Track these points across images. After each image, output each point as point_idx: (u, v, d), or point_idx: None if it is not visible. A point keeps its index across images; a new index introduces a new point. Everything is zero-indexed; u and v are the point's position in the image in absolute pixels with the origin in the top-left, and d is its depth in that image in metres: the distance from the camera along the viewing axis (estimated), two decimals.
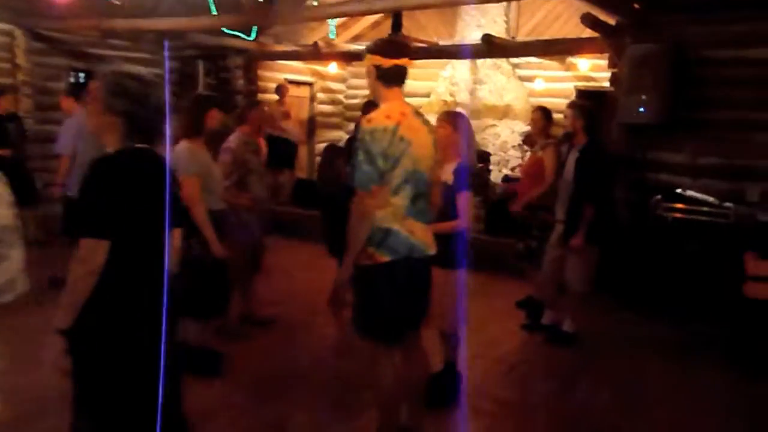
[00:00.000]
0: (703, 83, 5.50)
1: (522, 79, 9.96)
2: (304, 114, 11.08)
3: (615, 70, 6.11)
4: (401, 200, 2.62)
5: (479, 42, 7.00)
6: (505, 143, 9.80)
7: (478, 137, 9.45)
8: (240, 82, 9.42)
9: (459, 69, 10.21)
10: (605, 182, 4.43)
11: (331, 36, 7.67)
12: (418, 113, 2.77)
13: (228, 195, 4.12)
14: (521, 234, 5.00)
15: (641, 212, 5.56)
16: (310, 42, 9.32)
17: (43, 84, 8.75)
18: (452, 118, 3.45)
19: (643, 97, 5.44)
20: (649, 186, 5.75)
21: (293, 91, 10.70)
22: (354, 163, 2.57)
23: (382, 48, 2.67)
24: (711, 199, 5.17)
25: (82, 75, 9.35)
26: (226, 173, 4.24)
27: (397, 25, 7.43)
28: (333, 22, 8.30)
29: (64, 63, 9.13)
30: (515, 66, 9.98)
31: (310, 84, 11.04)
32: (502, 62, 9.87)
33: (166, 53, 9.39)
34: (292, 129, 9.39)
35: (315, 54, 8.52)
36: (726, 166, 5.43)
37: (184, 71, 9.33)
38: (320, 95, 11.27)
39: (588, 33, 6.37)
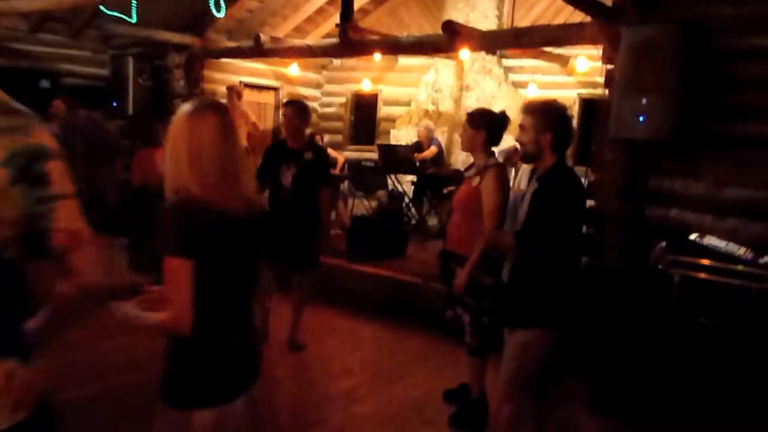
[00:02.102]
0: (731, 83, 3.87)
1: (516, 85, 8.39)
2: (267, 124, 9.66)
3: (611, 66, 4.49)
4: None
5: (440, 33, 5.47)
6: None
7: (460, 154, 7.87)
8: (180, 84, 8.06)
9: (443, 73, 8.69)
10: (568, 231, 2.76)
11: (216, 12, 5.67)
12: None
13: None
14: (448, 293, 3.42)
15: (637, 265, 3.93)
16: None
17: None
18: None
19: (644, 100, 3.82)
20: (652, 226, 4.12)
21: (254, 96, 9.32)
22: None
23: None
24: (740, 250, 3.51)
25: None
26: None
27: (346, 15, 5.94)
28: None
29: None
30: (508, 70, 8.41)
31: (275, 89, 9.64)
32: (493, 65, 8.32)
33: None
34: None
35: (258, 50, 7.08)
36: (763, 201, 3.78)
37: (117, 71, 8.01)
38: None
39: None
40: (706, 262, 3.44)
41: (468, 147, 3.33)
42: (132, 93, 7.70)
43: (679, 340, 3.46)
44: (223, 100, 7.87)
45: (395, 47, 6.10)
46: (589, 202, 4.81)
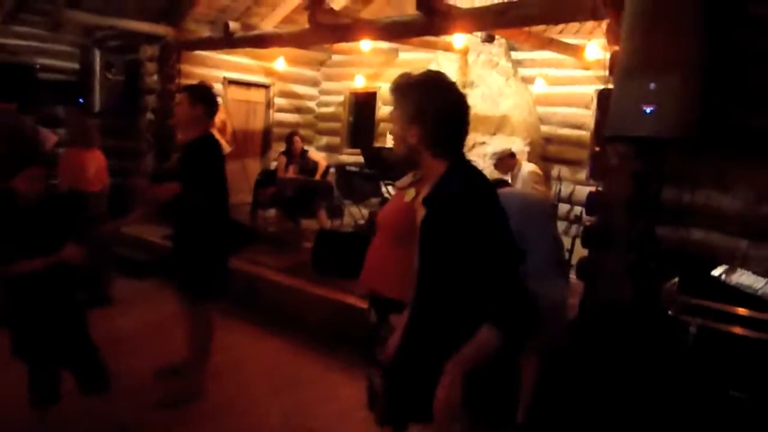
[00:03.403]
0: None
1: (526, 80, 7.39)
2: (258, 124, 8.90)
3: (616, 47, 3.51)
4: None
5: (416, 14, 4.57)
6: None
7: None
8: (153, 79, 7.34)
9: (445, 68, 7.70)
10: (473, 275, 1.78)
11: None
12: None
13: None
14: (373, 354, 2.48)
15: (643, 303, 2.94)
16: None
17: None
18: None
19: (652, 85, 2.84)
20: (666, 252, 3.13)
21: (241, 94, 8.58)
22: None
23: None
24: None
25: None
26: None
27: None
28: None
29: None
30: (517, 63, 7.42)
31: (266, 86, 8.87)
32: (500, 58, 7.34)
33: None
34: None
35: (228, 41, 6.30)
36: None
37: (85, 65, 7.37)
38: (279, 101, 9.06)
39: None
40: (734, 309, 2.43)
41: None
42: (99, 88, 7.03)
43: (696, 416, 2.46)
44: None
45: (369, 31, 5.20)
46: (589, 219, 3.83)
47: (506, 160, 5.15)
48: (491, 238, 1.57)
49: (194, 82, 7.71)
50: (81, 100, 7.25)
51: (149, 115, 7.38)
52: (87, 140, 5.06)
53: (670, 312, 2.59)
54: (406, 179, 2.40)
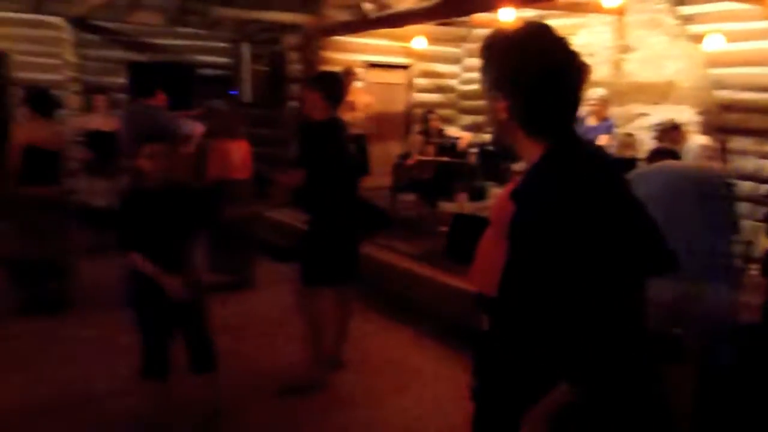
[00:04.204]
0: None
1: (696, 39, 6.37)
2: (399, 106, 8.80)
3: None
4: None
5: None
6: None
7: (620, 131, 6.15)
8: (296, 67, 7.55)
9: (599, 33, 6.99)
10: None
11: None
12: None
13: None
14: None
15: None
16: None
17: (96, 80, 7.93)
18: None
19: None
20: None
21: (381, 76, 8.53)
22: None
23: None
24: None
25: None
26: None
27: None
28: None
29: (121, 56, 8.26)
30: (686, 20, 6.42)
31: (405, 67, 8.72)
32: (664, 15, 6.42)
33: None
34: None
35: (364, 23, 6.22)
36: None
37: (236, 59, 7.78)
38: (420, 81, 8.87)
39: None
40: None
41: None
42: (248, 80, 7.39)
43: None
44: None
45: None
46: None
47: (670, 133, 4.45)
48: (594, 264, 1.16)
49: (335, 68, 7.84)
50: (233, 92, 7.69)
51: (293, 104, 7.61)
52: (231, 131, 5.29)
53: None
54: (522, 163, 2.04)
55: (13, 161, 4.28)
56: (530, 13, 7.39)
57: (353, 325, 3.74)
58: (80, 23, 7.68)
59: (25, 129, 4.39)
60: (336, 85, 3.42)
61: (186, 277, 2.80)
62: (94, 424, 3.03)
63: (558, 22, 7.55)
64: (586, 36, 7.07)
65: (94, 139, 5.79)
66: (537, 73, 1.22)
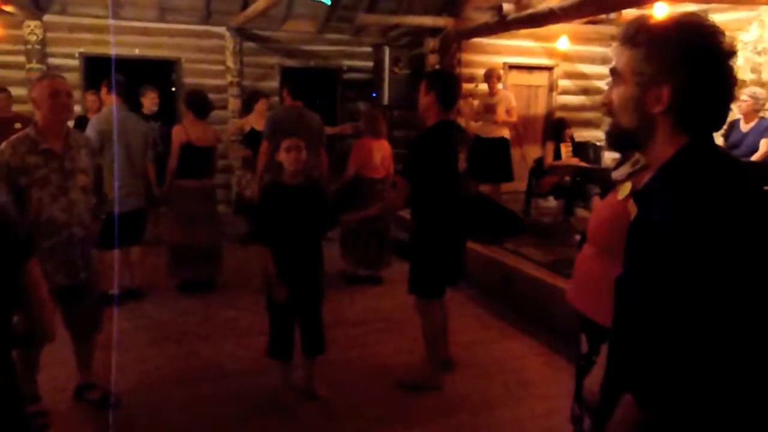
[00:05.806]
0: None
1: None
2: (540, 109, 8.54)
3: None
4: None
5: None
6: None
7: None
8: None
9: None
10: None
11: None
12: None
13: None
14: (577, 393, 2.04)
15: None
16: None
17: (252, 84, 8.64)
18: None
19: None
20: None
21: (523, 78, 8.34)
22: None
23: None
24: None
25: None
26: None
27: None
28: None
29: (275, 62, 8.89)
30: None
31: (549, 69, 8.43)
32: None
33: None
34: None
35: (502, 24, 6.13)
36: None
37: (377, 62, 8.03)
38: (563, 83, 8.52)
39: None
40: None
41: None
42: (388, 83, 7.60)
43: None
44: (483, 85, 7.08)
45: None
46: None
47: None
48: (742, 286, 1.06)
49: (474, 70, 7.80)
50: (374, 95, 7.95)
51: None
52: (375, 131, 5.48)
53: None
54: (623, 169, 1.70)
55: (172, 157, 4.84)
56: (692, 8, 6.80)
57: (475, 331, 3.73)
58: (240, 32, 8.39)
59: (183, 128, 4.93)
60: (452, 86, 3.25)
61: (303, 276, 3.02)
62: (230, 396, 3.33)
63: (725, 17, 6.88)
64: (757, 30, 6.34)
65: (250, 137, 6.32)
66: (703, 63, 1.15)
